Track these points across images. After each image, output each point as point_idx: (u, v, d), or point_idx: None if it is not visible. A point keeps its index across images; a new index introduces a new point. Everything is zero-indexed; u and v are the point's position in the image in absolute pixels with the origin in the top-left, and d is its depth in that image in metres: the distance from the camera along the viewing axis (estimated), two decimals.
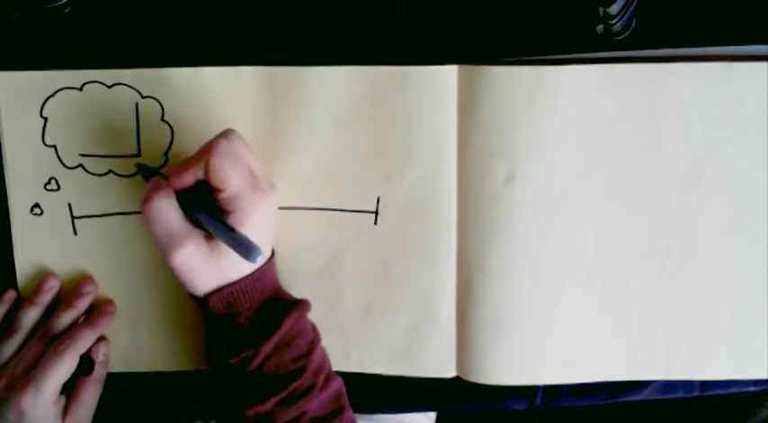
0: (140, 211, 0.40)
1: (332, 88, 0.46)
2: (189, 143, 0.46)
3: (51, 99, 0.46)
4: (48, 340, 0.45)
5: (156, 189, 0.39)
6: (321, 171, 0.47)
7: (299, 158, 0.46)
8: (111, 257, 0.48)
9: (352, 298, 0.48)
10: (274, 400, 0.40)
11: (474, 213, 0.46)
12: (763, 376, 0.48)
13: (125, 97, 0.46)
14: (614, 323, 0.47)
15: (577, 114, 0.45)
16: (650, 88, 0.45)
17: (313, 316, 0.45)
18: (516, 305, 0.47)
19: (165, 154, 0.47)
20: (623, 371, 0.48)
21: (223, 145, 0.39)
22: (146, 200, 0.39)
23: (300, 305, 0.43)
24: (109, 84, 0.46)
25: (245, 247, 0.38)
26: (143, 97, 0.46)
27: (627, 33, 0.46)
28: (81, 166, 0.47)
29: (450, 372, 0.48)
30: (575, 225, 0.46)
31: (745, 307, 0.47)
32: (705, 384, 0.49)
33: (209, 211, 0.40)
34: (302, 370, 0.41)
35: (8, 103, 0.46)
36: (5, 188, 0.47)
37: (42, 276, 0.47)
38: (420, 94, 0.45)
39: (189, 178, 0.40)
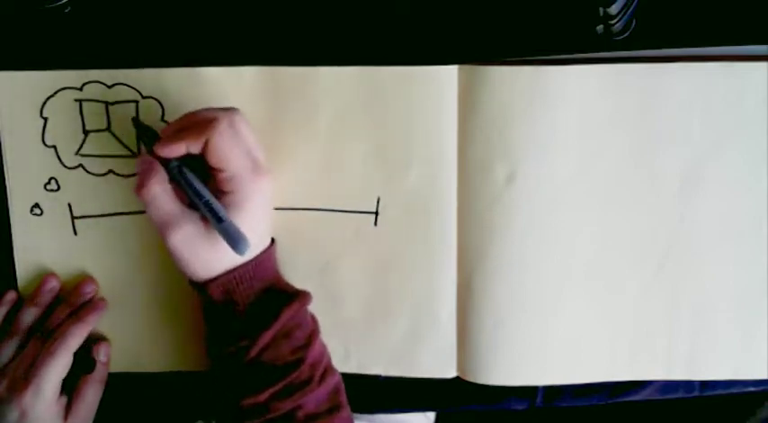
0: (138, 198, 0.39)
1: (332, 88, 0.46)
2: None
3: (51, 99, 0.46)
4: (46, 339, 0.45)
5: (149, 174, 0.39)
6: (321, 171, 0.47)
7: (300, 159, 0.46)
8: (111, 257, 0.48)
9: (352, 298, 0.47)
10: (270, 391, 0.40)
11: (474, 213, 0.46)
12: (763, 376, 0.48)
13: (125, 97, 0.46)
14: (614, 323, 0.47)
15: (577, 114, 0.45)
16: (650, 88, 0.45)
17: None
18: (516, 305, 0.47)
19: None
20: (623, 371, 0.48)
21: (225, 123, 0.38)
22: (140, 186, 0.38)
23: (301, 296, 0.43)
24: (109, 84, 0.46)
25: (233, 238, 0.37)
26: (143, 97, 0.46)
27: (627, 33, 0.46)
28: (81, 166, 0.47)
29: (450, 372, 0.48)
30: (575, 225, 0.46)
31: (745, 307, 0.47)
32: (705, 384, 0.49)
33: (203, 196, 0.38)
34: (299, 362, 0.41)
35: (8, 103, 0.46)
36: (5, 188, 0.47)
37: (42, 277, 0.47)
38: (420, 94, 0.45)
39: (181, 150, 0.38)
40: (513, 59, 0.45)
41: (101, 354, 0.47)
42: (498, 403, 0.49)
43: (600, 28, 0.46)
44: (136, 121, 0.43)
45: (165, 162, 0.39)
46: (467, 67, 0.45)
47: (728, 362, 0.48)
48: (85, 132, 0.47)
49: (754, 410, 0.75)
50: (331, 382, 0.43)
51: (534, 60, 0.45)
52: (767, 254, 0.47)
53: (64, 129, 0.47)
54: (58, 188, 0.47)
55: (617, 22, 0.45)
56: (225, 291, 0.41)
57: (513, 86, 0.44)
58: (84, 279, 0.48)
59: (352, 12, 0.47)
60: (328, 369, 0.43)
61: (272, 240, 0.44)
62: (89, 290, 0.47)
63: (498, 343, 0.47)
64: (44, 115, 0.47)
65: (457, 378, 0.48)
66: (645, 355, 0.48)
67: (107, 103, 0.46)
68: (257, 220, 0.39)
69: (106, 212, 0.47)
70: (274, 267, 0.44)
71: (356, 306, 0.48)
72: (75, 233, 0.48)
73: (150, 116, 0.46)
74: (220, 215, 0.38)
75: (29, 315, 0.46)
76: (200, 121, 0.38)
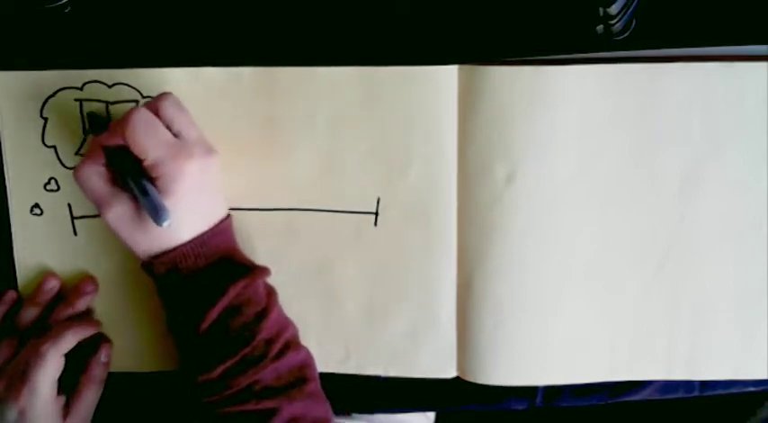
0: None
1: (332, 88, 0.46)
2: None
3: (51, 99, 0.46)
4: None
5: (87, 157, 0.41)
6: (321, 171, 0.47)
7: (299, 159, 0.46)
8: (110, 257, 0.48)
9: (352, 298, 0.47)
10: (222, 367, 0.40)
11: (474, 213, 0.46)
12: (763, 376, 0.48)
13: (125, 97, 0.46)
14: (614, 323, 0.47)
15: (577, 114, 0.45)
16: (650, 88, 0.45)
17: (313, 316, 0.45)
18: (516, 305, 0.47)
19: None
20: (623, 371, 0.48)
21: (138, 115, 0.39)
22: (75, 167, 0.41)
23: (253, 272, 0.43)
24: (109, 84, 0.46)
25: (154, 210, 0.39)
26: (143, 97, 0.46)
27: (627, 33, 0.46)
28: None
29: (450, 372, 0.48)
30: (575, 225, 0.46)
31: (745, 307, 0.47)
32: (705, 384, 0.49)
33: (133, 175, 0.40)
34: (250, 338, 0.41)
35: (8, 103, 0.46)
36: (5, 188, 0.47)
37: (42, 276, 0.47)
38: (420, 94, 0.45)
39: (117, 141, 0.40)
40: (513, 59, 0.45)
41: (102, 354, 0.47)
42: (498, 403, 0.49)
43: (600, 28, 0.46)
44: (90, 113, 0.46)
45: (107, 149, 0.41)
46: (467, 67, 0.45)
47: (728, 362, 0.48)
48: (85, 132, 0.47)
49: (754, 410, 0.75)
50: (294, 357, 0.43)
51: (534, 60, 0.45)
52: (767, 254, 0.47)
53: (64, 129, 0.47)
54: (58, 188, 0.47)
55: (617, 22, 0.45)
56: (168, 267, 0.41)
57: (513, 86, 0.44)
58: (84, 278, 0.48)
59: (351, 12, 0.47)
60: (291, 344, 0.43)
61: (227, 216, 0.44)
62: (89, 289, 0.47)
63: (498, 343, 0.47)
64: (44, 115, 0.47)
65: (457, 378, 0.48)
66: (645, 355, 0.48)
67: (107, 103, 0.46)
68: (191, 202, 0.40)
69: None
70: (226, 244, 0.44)
71: (356, 306, 0.48)
72: (75, 233, 0.48)
73: None
74: (146, 189, 0.39)
75: (28, 315, 0.46)
76: (123, 117, 0.40)
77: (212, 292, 0.41)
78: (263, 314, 0.42)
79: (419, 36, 0.47)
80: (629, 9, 0.44)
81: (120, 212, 0.40)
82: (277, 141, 0.46)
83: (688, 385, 0.49)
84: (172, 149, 0.40)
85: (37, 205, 0.47)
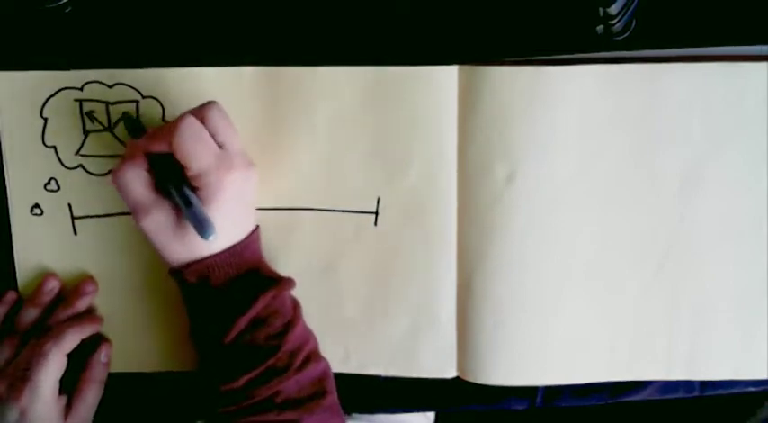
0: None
1: (332, 88, 0.46)
2: None
3: (51, 99, 0.46)
4: None
5: (127, 159, 0.40)
6: (321, 171, 0.47)
7: (299, 158, 0.46)
8: (111, 257, 0.48)
9: (352, 298, 0.47)
10: (246, 377, 0.40)
11: (474, 213, 0.46)
12: (763, 376, 0.48)
13: (125, 97, 0.46)
14: (614, 323, 0.47)
15: (577, 114, 0.45)
16: (650, 88, 0.45)
17: (313, 316, 0.45)
18: (516, 305, 0.47)
19: None
20: (623, 371, 0.48)
21: (186, 124, 0.39)
22: (115, 170, 0.40)
23: (280, 283, 0.43)
24: (109, 84, 0.46)
25: (199, 223, 0.38)
26: (143, 97, 0.46)
27: (627, 33, 0.46)
28: (81, 166, 0.47)
29: (450, 372, 0.48)
30: (575, 225, 0.46)
31: (745, 307, 0.47)
32: (705, 384, 0.49)
33: (176, 183, 0.40)
34: (276, 349, 0.41)
35: (8, 103, 0.46)
36: (5, 188, 0.47)
37: (43, 277, 0.47)
38: (420, 94, 0.45)
39: (161, 147, 0.40)
40: (513, 59, 0.45)
41: (102, 354, 0.47)
42: (498, 403, 0.49)
43: (600, 28, 0.46)
44: (127, 116, 0.45)
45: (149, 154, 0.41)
46: (467, 67, 0.45)
47: (728, 362, 0.48)
48: (85, 132, 0.47)
49: (754, 410, 0.75)
50: (315, 369, 0.43)
51: (534, 60, 0.45)
52: (767, 254, 0.47)
53: (64, 129, 0.47)
54: (58, 188, 0.47)
55: (617, 22, 0.45)
56: (200, 276, 0.41)
57: (513, 86, 0.44)
58: (84, 279, 0.48)
59: (351, 12, 0.47)
60: (312, 356, 0.43)
61: (256, 227, 0.44)
62: (89, 289, 0.47)
63: (498, 343, 0.47)
64: (44, 115, 0.47)
65: (457, 378, 0.48)
66: (645, 355, 0.48)
67: (107, 103, 0.46)
68: (228, 213, 0.40)
69: (106, 213, 0.47)
70: (255, 255, 0.44)
71: (356, 306, 0.48)
72: (75, 233, 0.48)
73: (150, 116, 0.46)
74: (190, 200, 0.39)
75: (28, 315, 0.46)
76: (171, 124, 0.40)
77: (241, 302, 0.41)
78: (289, 326, 0.42)
79: (419, 36, 0.47)
80: (629, 9, 0.44)
81: (159, 220, 0.40)
82: (277, 141, 0.46)
83: (688, 385, 0.49)
84: (217, 160, 0.40)
85: (37, 205, 0.47)
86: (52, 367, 0.43)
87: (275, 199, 0.47)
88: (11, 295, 0.48)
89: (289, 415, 0.41)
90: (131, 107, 0.46)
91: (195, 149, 0.39)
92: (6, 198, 0.47)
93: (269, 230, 0.47)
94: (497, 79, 0.44)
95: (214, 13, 0.47)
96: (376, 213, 0.47)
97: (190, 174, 0.39)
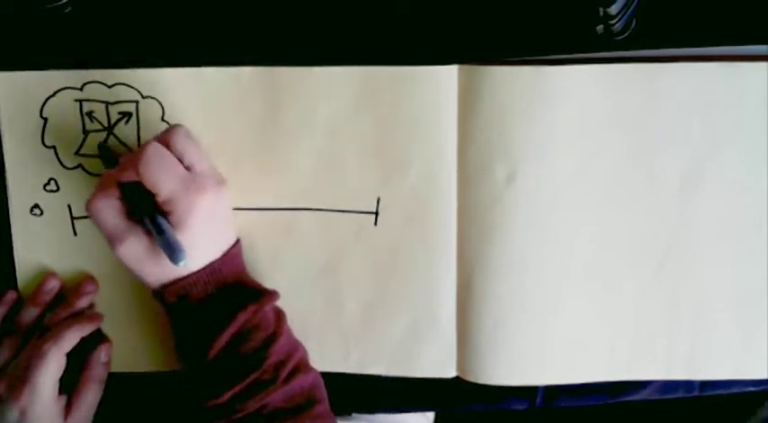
0: None
1: (332, 88, 0.46)
2: None
3: (51, 99, 0.46)
4: None
5: (99, 189, 0.41)
6: (321, 171, 0.47)
7: (299, 158, 0.46)
8: (110, 258, 0.47)
9: (352, 298, 0.47)
10: (231, 392, 0.40)
11: (474, 213, 0.46)
12: (763, 376, 0.48)
13: (125, 97, 0.46)
14: (614, 323, 0.47)
15: (577, 114, 0.45)
16: (650, 88, 0.45)
17: (313, 316, 0.45)
18: (516, 305, 0.47)
19: None
20: (623, 371, 0.48)
21: (150, 150, 0.39)
22: (89, 201, 0.41)
23: (262, 296, 0.43)
24: (109, 84, 0.46)
25: (170, 249, 0.39)
26: (143, 97, 0.46)
27: (627, 33, 0.46)
28: (80, 166, 0.47)
29: (450, 372, 0.48)
30: (575, 225, 0.46)
31: (745, 307, 0.47)
32: (705, 384, 0.49)
33: (148, 210, 0.40)
34: (259, 363, 0.41)
35: (8, 103, 0.46)
36: (5, 189, 0.47)
37: (43, 276, 0.47)
38: (420, 94, 0.45)
39: (130, 175, 0.40)
40: (513, 59, 0.45)
41: (102, 353, 0.47)
42: (498, 403, 0.49)
43: (600, 28, 0.46)
44: (102, 145, 0.46)
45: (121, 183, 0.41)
46: (467, 67, 0.45)
47: (728, 362, 0.48)
48: (85, 132, 0.47)
49: (754, 410, 0.75)
50: (304, 380, 0.43)
51: (534, 60, 0.45)
52: (767, 254, 0.47)
53: (64, 129, 0.47)
54: (58, 189, 0.47)
55: (617, 22, 0.45)
56: (179, 296, 0.41)
57: (513, 86, 0.44)
58: (84, 278, 0.48)
59: (351, 12, 0.47)
60: (301, 366, 0.43)
61: (236, 241, 0.44)
62: (89, 289, 0.47)
63: (498, 343, 0.47)
64: (44, 115, 0.47)
65: (457, 378, 0.48)
66: (645, 355, 0.48)
67: (107, 104, 0.46)
68: (203, 233, 0.41)
69: None
70: (235, 270, 0.44)
71: (356, 306, 0.48)
72: (75, 233, 0.48)
73: (150, 116, 0.46)
74: (162, 227, 0.40)
75: (29, 315, 0.46)
76: (137, 151, 0.40)
77: (221, 318, 0.41)
78: (271, 338, 0.42)
79: (419, 36, 0.47)
80: (629, 9, 0.44)
81: (133, 247, 0.40)
82: (277, 141, 0.46)
83: (688, 385, 0.49)
84: (185, 184, 0.40)
85: (37, 206, 0.47)
86: (51, 367, 0.43)
87: (275, 199, 0.47)
88: (11, 295, 0.48)
89: None
90: (131, 107, 0.46)
91: (161, 175, 0.39)
92: (6, 198, 0.47)
93: (269, 231, 0.47)
94: (497, 79, 0.44)
95: (214, 13, 0.47)
96: (376, 213, 0.47)
97: (159, 199, 0.40)
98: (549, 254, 0.46)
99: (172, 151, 0.40)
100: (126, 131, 0.47)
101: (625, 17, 0.45)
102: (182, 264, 0.39)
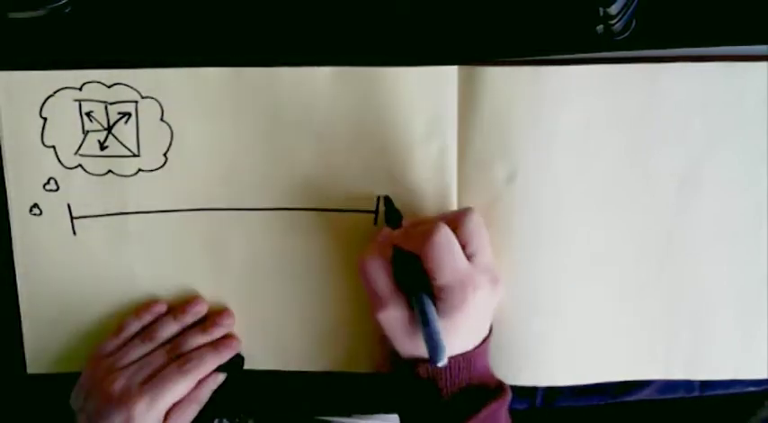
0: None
1: (332, 89, 0.46)
2: (189, 143, 0.46)
3: (51, 99, 0.46)
4: (173, 356, 0.45)
5: (376, 248, 0.42)
6: (321, 171, 0.46)
7: (299, 158, 0.46)
8: (110, 258, 0.48)
9: (353, 298, 0.47)
10: None
11: None
12: (763, 376, 0.48)
13: (124, 97, 0.46)
14: (614, 323, 0.47)
15: (578, 114, 0.45)
16: (650, 88, 0.45)
17: (313, 316, 0.45)
18: (516, 305, 0.47)
19: (165, 154, 0.47)
20: (623, 371, 0.48)
21: (440, 237, 0.39)
22: (363, 256, 0.41)
23: (502, 394, 0.42)
24: (109, 84, 0.46)
25: (433, 348, 0.38)
26: (143, 97, 0.46)
27: (627, 33, 0.46)
28: (80, 166, 0.47)
29: None
30: (575, 225, 0.46)
31: (745, 307, 0.47)
32: (705, 384, 0.49)
33: (418, 288, 0.40)
34: None
35: (8, 103, 0.46)
36: (5, 188, 0.47)
37: (192, 299, 0.47)
38: (420, 95, 0.45)
39: (411, 248, 0.40)
40: (513, 59, 0.45)
41: (210, 379, 0.46)
42: None
43: (600, 28, 0.46)
44: (387, 199, 0.45)
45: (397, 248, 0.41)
46: (467, 67, 0.45)
47: (728, 362, 0.48)
48: (85, 132, 0.47)
49: (754, 410, 0.75)
50: None
51: (534, 60, 0.45)
52: (766, 254, 0.47)
53: (63, 129, 0.47)
54: (57, 188, 0.47)
55: (617, 22, 0.45)
56: (430, 376, 0.41)
57: (513, 86, 0.44)
58: (223, 311, 0.47)
59: (351, 12, 0.47)
60: None
61: (489, 333, 0.44)
62: (227, 322, 0.47)
63: (498, 343, 0.47)
64: (44, 115, 0.47)
65: None
66: (645, 355, 0.48)
67: (106, 103, 0.46)
68: (463, 326, 0.40)
69: (105, 212, 0.47)
70: (485, 363, 0.43)
71: (356, 306, 0.47)
72: (75, 233, 0.48)
73: (150, 116, 0.46)
74: (428, 318, 0.39)
75: (168, 329, 0.46)
76: (425, 229, 0.40)
77: (467, 406, 0.41)
78: None
79: (419, 36, 0.47)
80: (629, 9, 0.44)
81: (394, 315, 0.40)
82: (277, 141, 0.46)
83: (688, 385, 0.49)
84: (464, 277, 0.39)
85: (36, 205, 0.47)
86: (183, 387, 0.43)
87: (275, 199, 0.47)
88: (159, 307, 0.47)
89: None
90: (131, 107, 0.46)
91: (445, 263, 0.39)
92: (6, 198, 0.47)
93: (269, 230, 0.47)
94: (497, 79, 0.44)
95: (214, 13, 0.47)
96: (376, 213, 0.47)
97: (435, 284, 0.39)
98: (550, 254, 0.46)
99: (458, 234, 0.40)
100: (125, 131, 0.47)
101: (625, 17, 0.45)
102: (441, 364, 0.38)
